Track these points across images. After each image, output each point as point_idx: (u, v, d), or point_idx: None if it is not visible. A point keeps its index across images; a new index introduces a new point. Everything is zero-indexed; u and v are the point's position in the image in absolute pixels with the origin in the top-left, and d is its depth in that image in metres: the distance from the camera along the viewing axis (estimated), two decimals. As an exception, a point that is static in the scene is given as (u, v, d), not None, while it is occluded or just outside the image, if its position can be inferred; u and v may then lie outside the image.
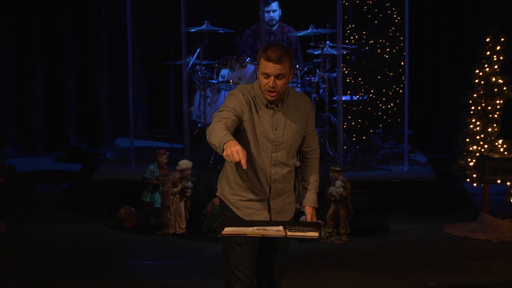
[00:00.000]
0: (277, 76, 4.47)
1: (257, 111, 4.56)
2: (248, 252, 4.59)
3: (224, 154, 4.16)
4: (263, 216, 4.63)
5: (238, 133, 4.52)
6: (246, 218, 4.61)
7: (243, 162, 4.14)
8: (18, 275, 6.58)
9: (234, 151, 4.13)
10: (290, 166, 4.66)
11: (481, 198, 7.81)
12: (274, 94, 4.50)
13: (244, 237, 4.48)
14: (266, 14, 9.37)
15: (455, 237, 7.56)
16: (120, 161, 9.17)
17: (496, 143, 7.80)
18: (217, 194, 4.78)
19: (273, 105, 4.57)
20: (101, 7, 10.15)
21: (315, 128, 4.79)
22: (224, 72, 9.01)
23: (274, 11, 9.53)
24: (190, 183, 7.66)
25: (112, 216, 7.95)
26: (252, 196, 4.62)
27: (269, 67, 4.46)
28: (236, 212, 4.65)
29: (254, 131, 4.54)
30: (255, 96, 4.57)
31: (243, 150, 4.16)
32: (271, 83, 4.47)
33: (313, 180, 4.81)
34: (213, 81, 9.03)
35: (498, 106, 7.79)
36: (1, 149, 8.21)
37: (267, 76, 4.48)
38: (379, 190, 8.22)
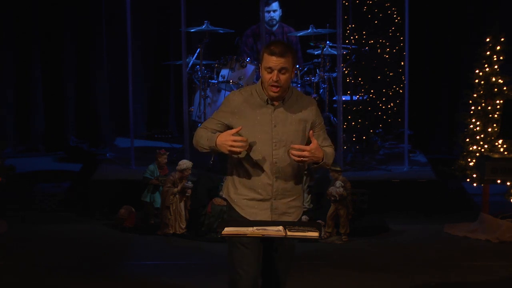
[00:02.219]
0: (280, 70, 4.50)
1: (256, 109, 4.58)
2: (252, 252, 4.58)
3: (228, 152, 4.47)
4: (266, 216, 4.62)
5: (237, 134, 4.55)
6: (248, 218, 4.62)
7: (243, 145, 4.44)
8: (18, 275, 6.58)
9: (230, 146, 4.44)
10: (294, 166, 4.62)
11: (481, 198, 7.81)
12: (278, 89, 4.53)
13: (248, 237, 4.49)
14: (266, 14, 9.37)
15: (455, 237, 7.56)
16: (120, 161, 9.17)
17: (496, 143, 7.80)
18: (223, 196, 4.79)
19: (274, 102, 4.59)
20: (101, 7, 10.15)
21: (324, 131, 4.73)
22: (224, 72, 9.01)
23: (274, 11, 9.53)
24: (190, 183, 7.66)
25: (112, 216, 7.95)
26: (255, 195, 4.62)
27: (272, 61, 4.50)
28: (239, 212, 4.66)
29: (253, 129, 4.55)
30: (256, 94, 4.61)
31: (234, 136, 4.45)
32: (274, 77, 4.50)
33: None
34: (213, 81, 9.03)
35: (498, 106, 7.79)
36: (1, 149, 8.20)
37: (271, 70, 4.51)
38: (379, 190, 8.22)
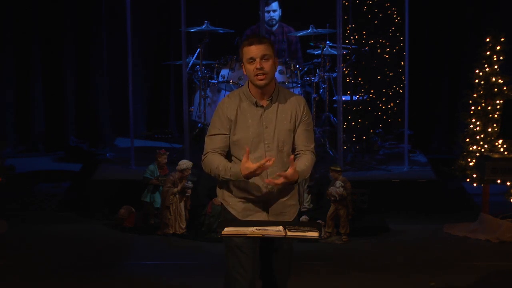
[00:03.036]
0: (262, 57, 4.49)
1: (246, 112, 4.57)
2: (248, 256, 4.57)
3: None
4: (261, 217, 4.61)
5: (230, 137, 4.58)
6: (244, 219, 4.60)
7: (266, 164, 4.40)
8: (18, 275, 6.58)
9: (254, 172, 4.40)
10: (287, 166, 4.56)
11: (481, 198, 7.80)
12: (264, 76, 4.51)
13: (244, 240, 4.48)
14: (266, 14, 9.37)
15: (455, 237, 7.56)
16: (120, 161, 9.17)
17: (496, 143, 7.80)
18: (218, 199, 4.78)
19: (262, 103, 4.58)
20: (101, 7, 10.15)
21: (310, 130, 4.67)
22: (224, 72, 9.01)
23: (274, 11, 9.53)
24: (190, 183, 7.66)
25: (112, 216, 7.95)
26: (249, 197, 4.60)
27: (252, 50, 4.50)
28: (234, 214, 4.64)
29: (246, 131, 4.54)
30: (244, 97, 4.59)
31: (256, 165, 4.39)
32: (258, 64, 4.49)
33: (301, 163, 4.58)
34: (213, 81, 9.03)
35: (498, 106, 7.79)
36: (1, 149, 8.20)
37: (253, 60, 4.50)
38: (379, 190, 8.22)
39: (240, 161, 4.51)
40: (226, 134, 4.57)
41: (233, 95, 4.64)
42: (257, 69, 4.48)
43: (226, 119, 4.56)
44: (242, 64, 4.60)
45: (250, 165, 4.39)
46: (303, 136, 4.62)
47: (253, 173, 4.41)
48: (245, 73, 4.58)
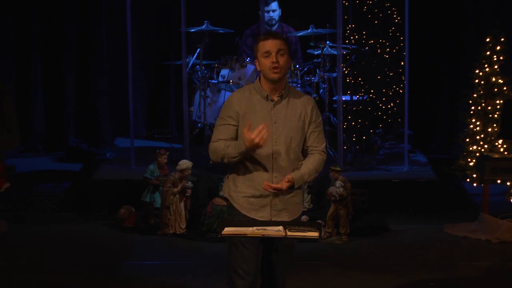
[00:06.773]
0: (278, 52, 4.55)
1: (256, 106, 4.62)
2: (250, 251, 4.61)
3: (256, 148, 4.49)
4: (265, 213, 4.65)
5: (239, 129, 4.63)
6: (248, 215, 4.65)
7: (263, 133, 4.44)
8: (18, 275, 6.58)
9: (255, 143, 4.44)
10: (294, 162, 4.64)
11: (481, 198, 7.81)
12: (278, 70, 4.56)
13: (248, 237, 4.50)
14: (265, 14, 9.37)
15: (455, 237, 7.56)
16: (120, 161, 9.17)
17: (496, 143, 7.82)
18: (224, 195, 4.80)
19: (273, 98, 4.62)
20: (101, 7, 10.15)
21: (320, 130, 4.73)
22: (224, 72, 9.01)
23: (273, 11, 9.53)
24: (190, 183, 7.67)
25: (112, 216, 7.95)
26: (254, 192, 4.64)
27: (268, 44, 4.56)
28: (239, 209, 4.68)
29: (254, 126, 4.56)
30: (255, 91, 4.64)
31: (250, 134, 4.44)
32: (274, 58, 4.54)
33: (303, 165, 4.66)
34: (213, 81, 9.04)
35: (498, 106, 7.80)
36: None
37: (269, 53, 4.56)
38: (379, 190, 8.22)
39: (249, 161, 4.60)
40: (232, 125, 4.63)
41: (244, 89, 4.71)
42: (272, 62, 4.54)
43: (234, 111, 4.62)
44: (256, 60, 4.65)
45: (249, 135, 4.45)
46: (313, 136, 4.69)
47: (255, 145, 4.45)
48: (258, 68, 4.64)
